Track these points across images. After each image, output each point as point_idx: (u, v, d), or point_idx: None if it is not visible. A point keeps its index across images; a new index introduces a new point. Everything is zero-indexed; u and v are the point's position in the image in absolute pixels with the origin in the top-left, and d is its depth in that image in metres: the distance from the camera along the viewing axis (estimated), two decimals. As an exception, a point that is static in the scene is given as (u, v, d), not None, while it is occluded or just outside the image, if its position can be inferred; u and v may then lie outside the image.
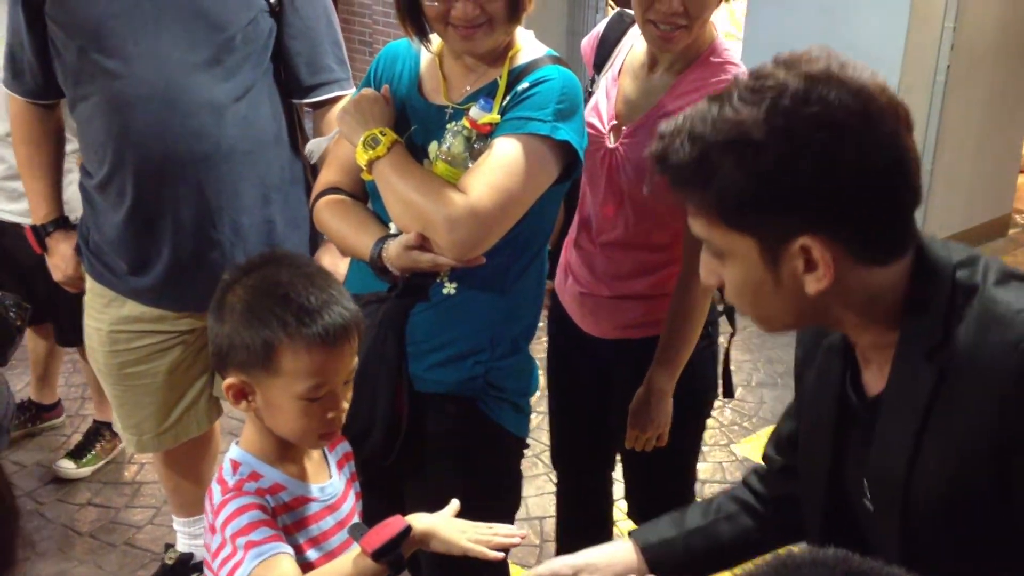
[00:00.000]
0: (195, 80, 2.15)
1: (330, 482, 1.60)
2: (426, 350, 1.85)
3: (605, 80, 2.21)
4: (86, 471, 3.39)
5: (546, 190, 1.80)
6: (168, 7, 2.12)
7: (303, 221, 2.37)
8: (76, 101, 2.24)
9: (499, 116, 1.77)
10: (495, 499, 1.92)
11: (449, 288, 1.83)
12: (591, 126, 2.15)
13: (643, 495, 2.41)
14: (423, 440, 1.89)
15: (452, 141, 1.78)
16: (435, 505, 1.67)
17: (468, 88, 1.84)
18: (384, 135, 1.76)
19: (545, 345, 2.44)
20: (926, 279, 1.23)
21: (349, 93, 2.34)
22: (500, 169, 1.71)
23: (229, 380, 1.48)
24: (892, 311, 1.23)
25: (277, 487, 1.51)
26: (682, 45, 2.04)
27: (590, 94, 2.24)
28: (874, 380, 1.31)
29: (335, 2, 8.23)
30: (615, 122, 2.14)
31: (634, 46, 2.20)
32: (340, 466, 1.66)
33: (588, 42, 2.33)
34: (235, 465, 1.52)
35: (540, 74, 1.78)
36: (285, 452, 1.54)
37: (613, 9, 6.01)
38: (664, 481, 2.36)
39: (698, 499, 2.47)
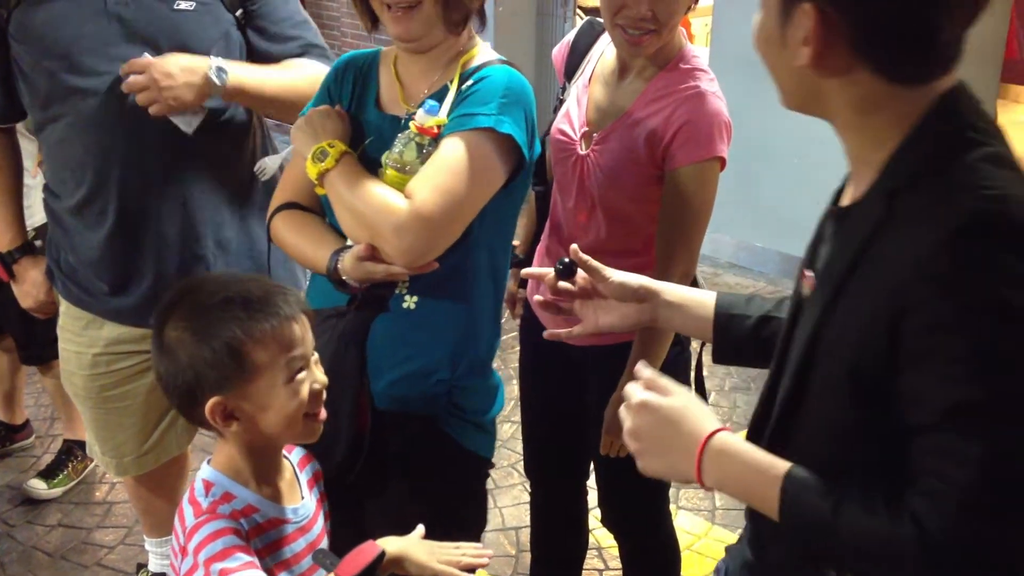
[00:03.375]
0: None
1: (302, 503, 1.58)
2: (387, 366, 1.82)
3: (576, 88, 2.22)
4: (57, 491, 3.36)
5: (500, 196, 1.76)
6: (137, 28, 2.11)
7: None
8: (45, 123, 2.21)
9: (446, 118, 1.75)
10: (459, 520, 1.90)
11: (409, 303, 1.81)
12: (563, 133, 2.16)
13: (617, 501, 2.40)
14: (384, 458, 1.86)
15: (401, 148, 1.76)
16: (396, 524, 1.66)
17: (425, 92, 1.83)
18: (333, 147, 1.75)
19: (517, 355, 2.43)
20: (940, 110, 1.15)
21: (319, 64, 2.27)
22: (444, 170, 1.69)
23: (211, 403, 1.43)
24: (888, 135, 1.16)
25: (250, 508, 1.49)
26: (651, 50, 2.05)
27: (561, 102, 2.25)
28: (850, 192, 1.25)
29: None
30: (586, 129, 2.15)
31: (604, 53, 2.21)
32: (311, 485, 1.64)
33: (559, 50, 2.34)
34: (207, 485, 1.50)
35: (484, 72, 1.77)
36: (259, 472, 1.52)
37: (581, 18, 6.03)
38: (638, 487, 2.33)
39: (672, 504, 2.47)
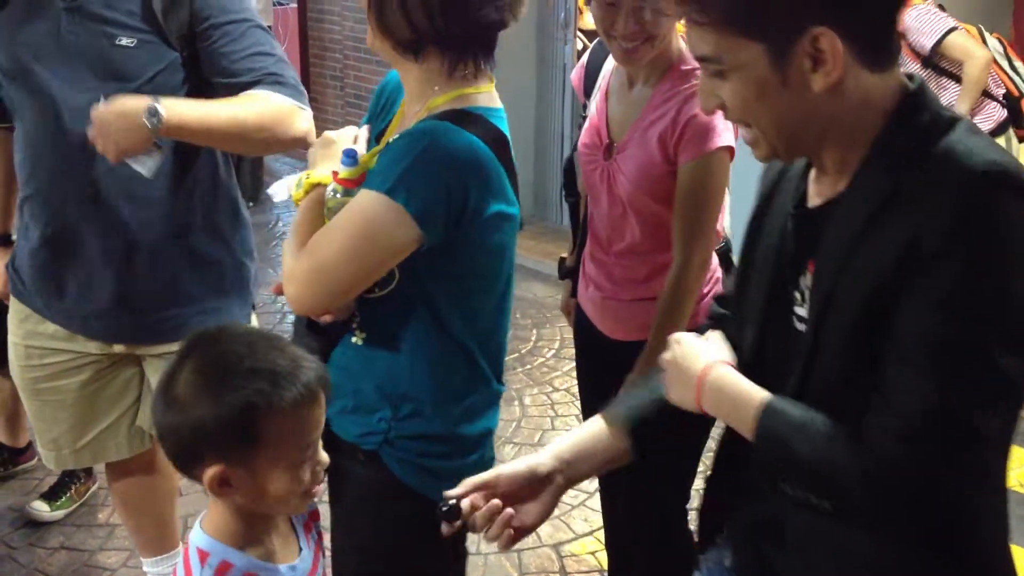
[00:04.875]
0: None
1: (300, 557, 1.53)
2: (338, 394, 1.81)
3: (594, 102, 2.38)
4: (59, 514, 3.35)
5: (431, 258, 1.69)
6: (79, 56, 2.18)
7: (216, 261, 2.39)
8: (14, 128, 2.34)
9: (355, 171, 1.72)
10: (412, 563, 1.86)
11: (358, 338, 1.81)
12: (587, 146, 2.33)
13: (640, 496, 2.44)
14: (338, 478, 1.86)
15: (330, 195, 1.75)
16: (357, 548, 1.77)
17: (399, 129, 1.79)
18: (308, 178, 1.76)
19: (517, 375, 2.45)
20: (915, 100, 1.25)
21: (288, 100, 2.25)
22: (331, 228, 1.69)
23: (211, 472, 1.37)
24: (872, 123, 1.25)
25: None
26: (647, 58, 2.20)
27: (584, 119, 2.42)
28: (823, 190, 1.33)
29: (304, 39, 8.22)
30: (608, 140, 2.29)
31: (615, 68, 2.36)
32: (308, 529, 1.60)
33: (575, 73, 2.54)
34: (203, 556, 1.43)
35: (414, 128, 1.70)
36: (253, 531, 1.46)
37: (582, 40, 6.07)
38: (662, 494, 2.43)
39: (692, 506, 2.47)
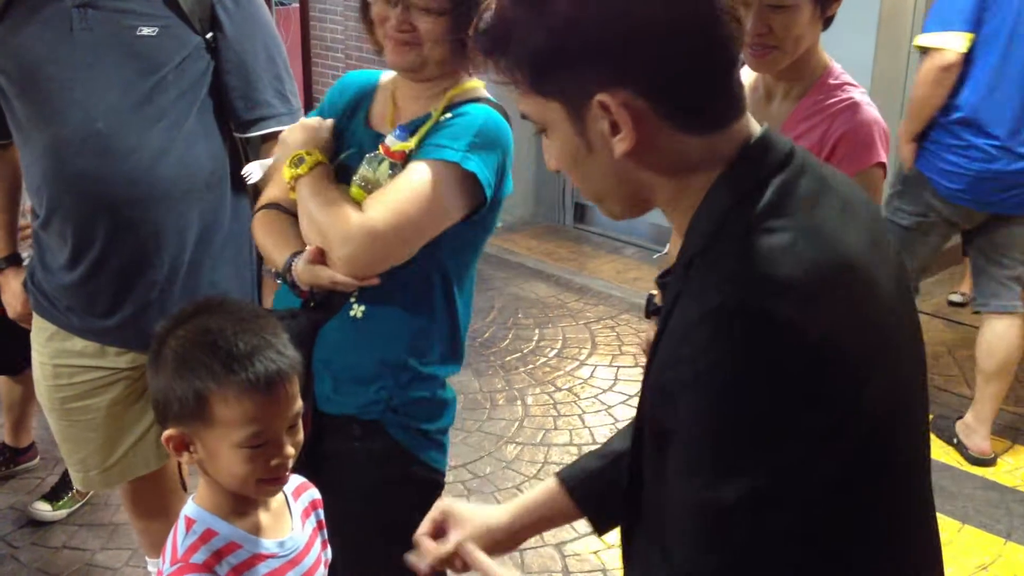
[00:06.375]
0: (128, 124, 2.17)
1: (290, 536, 1.56)
2: (332, 370, 1.90)
3: None
4: (62, 513, 3.36)
5: (460, 227, 1.83)
6: (104, 51, 2.15)
7: (248, 258, 2.39)
8: (20, 145, 2.29)
9: (413, 144, 1.81)
10: (409, 531, 1.90)
11: (357, 311, 1.87)
12: None
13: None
14: (331, 460, 1.92)
15: (367, 167, 1.84)
16: (351, 527, 1.75)
17: (409, 117, 1.89)
18: (310, 155, 1.83)
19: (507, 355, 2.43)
20: (736, 179, 1.09)
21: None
22: (400, 191, 1.76)
23: (168, 432, 1.46)
24: (702, 188, 1.11)
25: (232, 546, 1.48)
26: (777, 67, 2.09)
27: None
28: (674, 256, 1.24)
29: (306, 38, 8.21)
30: None
31: (746, 84, 2.23)
32: (306, 514, 1.62)
33: None
34: (189, 523, 1.49)
35: (464, 109, 1.84)
36: (240, 504, 1.51)
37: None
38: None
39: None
